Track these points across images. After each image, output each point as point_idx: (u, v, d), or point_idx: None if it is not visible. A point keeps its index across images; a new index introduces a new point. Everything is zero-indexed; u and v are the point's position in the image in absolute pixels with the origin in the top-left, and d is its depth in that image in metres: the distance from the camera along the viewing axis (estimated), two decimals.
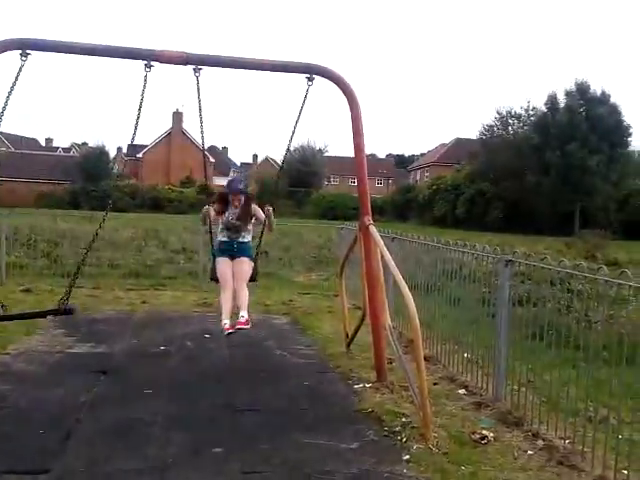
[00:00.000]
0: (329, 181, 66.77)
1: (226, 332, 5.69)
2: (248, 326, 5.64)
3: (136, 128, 5.46)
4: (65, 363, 5.98)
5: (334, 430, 4.42)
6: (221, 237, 6.14)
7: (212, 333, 7.40)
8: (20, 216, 15.93)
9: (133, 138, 5.71)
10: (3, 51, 5.00)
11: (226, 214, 6.07)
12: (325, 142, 63.07)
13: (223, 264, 6.00)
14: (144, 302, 9.29)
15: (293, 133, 5.95)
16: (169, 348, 6.70)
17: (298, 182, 50.82)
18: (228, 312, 5.77)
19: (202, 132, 5.89)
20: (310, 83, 5.47)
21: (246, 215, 6.08)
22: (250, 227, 6.21)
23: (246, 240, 6.17)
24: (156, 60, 5.05)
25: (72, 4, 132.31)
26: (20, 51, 4.96)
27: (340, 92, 5.62)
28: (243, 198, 6.09)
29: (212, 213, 6.06)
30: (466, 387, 5.40)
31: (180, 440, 4.16)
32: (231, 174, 57.91)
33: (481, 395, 5.14)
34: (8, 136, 60.91)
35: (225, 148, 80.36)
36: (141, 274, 11.91)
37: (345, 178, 72.21)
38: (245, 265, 6.03)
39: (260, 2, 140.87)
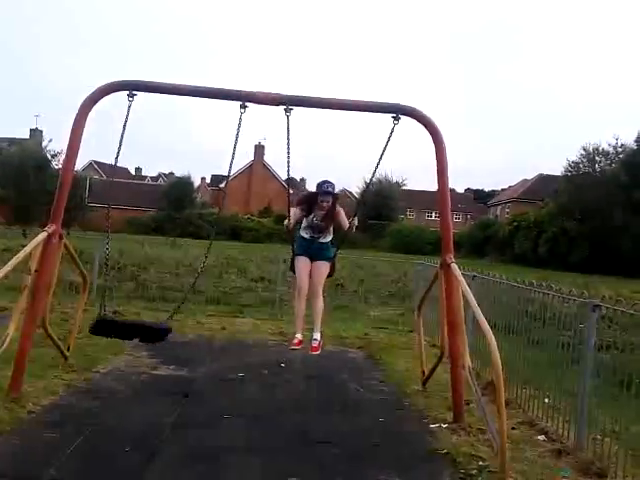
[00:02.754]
0: (405, 214, 66.52)
1: (292, 347, 5.92)
2: (318, 352, 5.89)
3: (232, 163, 5.74)
4: (150, 384, 6.26)
5: (408, 468, 4.40)
6: (303, 233, 6.34)
7: (287, 363, 7.56)
8: (99, 241, 16.87)
9: (229, 171, 5.99)
10: (112, 92, 5.44)
11: (311, 215, 6.27)
12: (403, 175, 63.13)
13: (302, 262, 6.22)
14: (223, 328, 9.57)
15: (376, 168, 6.23)
16: (246, 375, 6.87)
17: (375, 215, 50.94)
18: (301, 326, 6.00)
19: (288, 166, 5.92)
20: (396, 122, 5.54)
21: (331, 217, 6.24)
22: (331, 229, 6.36)
23: (326, 241, 6.35)
24: (251, 101, 5.32)
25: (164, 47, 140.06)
26: (127, 92, 5.36)
27: (425, 130, 5.69)
28: (331, 200, 6.22)
29: (298, 212, 6.27)
30: (546, 433, 5.23)
31: (258, 467, 4.26)
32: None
33: (561, 442, 4.98)
34: (101, 165, 64.60)
35: (303, 179, 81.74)
36: (221, 301, 12.29)
37: (422, 212, 71.77)
38: (323, 267, 6.22)
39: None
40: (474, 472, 4.33)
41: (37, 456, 4.13)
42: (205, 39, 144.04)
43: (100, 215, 45.01)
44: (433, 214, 66.73)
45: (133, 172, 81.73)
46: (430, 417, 5.66)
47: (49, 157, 38.82)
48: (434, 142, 5.62)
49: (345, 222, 6.23)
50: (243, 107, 5.46)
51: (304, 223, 6.36)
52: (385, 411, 5.86)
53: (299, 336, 5.96)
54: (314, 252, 6.26)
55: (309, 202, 6.34)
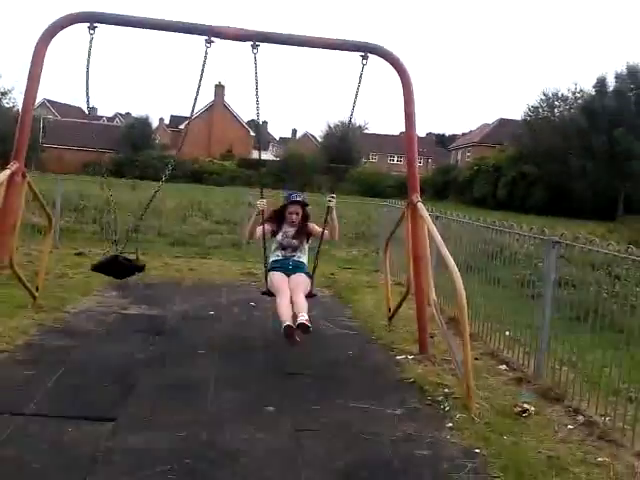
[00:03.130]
0: (368, 158, 66.54)
1: (289, 336, 5.03)
2: (310, 328, 5.07)
3: (195, 101, 5.61)
4: (122, 323, 6.31)
5: (378, 396, 4.61)
6: (275, 257, 5.82)
7: (257, 301, 7.68)
8: (67, 182, 16.46)
9: (192, 111, 5.89)
10: (71, 24, 5.25)
11: (281, 232, 5.82)
12: (365, 119, 62.74)
13: (278, 276, 5.62)
14: (191, 269, 9.62)
15: (352, 111, 5.86)
16: (218, 313, 6.98)
17: (337, 159, 50.81)
18: (288, 315, 5.18)
19: (258, 108, 5.67)
20: (364, 62, 5.49)
21: (304, 233, 5.85)
22: (306, 246, 5.92)
23: (302, 260, 5.85)
24: (217, 36, 5.21)
25: None
26: (88, 24, 5.17)
27: (394, 71, 5.68)
28: (301, 212, 5.82)
29: (267, 227, 5.79)
30: (507, 363, 5.53)
31: (234, 398, 4.41)
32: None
33: (522, 371, 5.27)
34: (54, 104, 62.22)
35: (265, 122, 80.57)
36: (187, 243, 12.28)
37: (384, 155, 71.84)
38: (301, 278, 5.65)
39: None
40: (440, 398, 4.58)
41: (17, 392, 4.17)
42: None
43: (54, 156, 43.85)
44: (396, 158, 66.94)
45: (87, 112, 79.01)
46: (397, 349, 5.90)
47: None
48: (402, 81, 5.64)
49: (317, 230, 5.84)
50: (209, 42, 5.32)
51: (274, 244, 5.87)
52: (354, 345, 6.07)
53: (289, 322, 5.09)
54: (290, 270, 5.68)
55: (276, 220, 5.85)
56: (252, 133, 65.30)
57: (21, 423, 3.71)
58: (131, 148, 47.45)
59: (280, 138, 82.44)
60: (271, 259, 5.85)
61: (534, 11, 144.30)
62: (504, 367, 5.47)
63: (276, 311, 5.35)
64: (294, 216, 5.80)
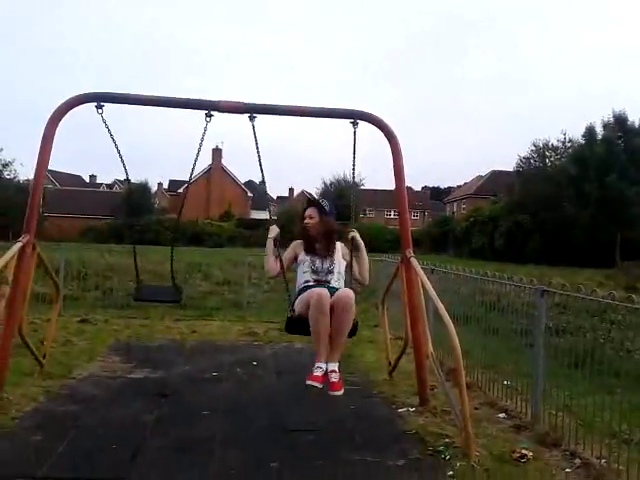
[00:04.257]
0: (364, 213, 67.28)
1: (311, 382, 4.37)
2: (341, 392, 4.48)
3: (193, 169, 5.93)
4: (127, 387, 6.42)
5: (381, 449, 4.71)
6: (304, 284, 4.96)
7: (258, 360, 7.83)
8: (68, 250, 16.74)
9: (190, 176, 6.21)
10: (80, 104, 5.60)
11: (304, 254, 5.03)
12: (361, 175, 63.83)
13: (319, 290, 4.58)
14: (194, 331, 9.76)
15: (354, 170, 5.50)
16: (220, 374, 7.10)
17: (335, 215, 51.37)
18: (325, 349, 4.44)
19: (262, 172, 5.58)
20: (356, 127, 5.80)
21: (332, 243, 5.03)
22: (343, 270, 5.05)
23: (339, 286, 4.94)
24: (216, 110, 5.55)
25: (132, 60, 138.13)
26: (95, 104, 5.53)
27: (380, 133, 6.02)
28: (317, 217, 5.10)
29: (285, 258, 5.08)
30: (506, 411, 5.64)
31: (239, 456, 4.51)
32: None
33: (520, 419, 5.39)
34: (54, 173, 63.34)
35: (263, 183, 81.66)
36: (189, 305, 12.44)
37: (380, 211, 72.66)
38: (346, 292, 4.66)
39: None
40: (441, 448, 4.68)
41: (29, 457, 4.28)
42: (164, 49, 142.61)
43: (55, 225, 44.37)
44: (392, 212, 67.68)
45: (87, 180, 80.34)
46: (398, 402, 6.01)
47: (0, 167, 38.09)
48: (391, 146, 5.94)
49: (346, 257, 5.09)
50: (209, 116, 5.63)
51: (301, 270, 5.03)
52: (355, 399, 6.16)
53: (322, 366, 4.42)
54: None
55: (304, 240, 5.04)
56: (249, 194, 66.21)
57: None
58: (130, 213, 48.00)
59: (278, 197, 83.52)
60: (300, 287, 4.95)
61: (521, 63, 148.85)
62: (503, 415, 5.58)
63: (312, 333, 4.45)
64: (308, 219, 5.10)
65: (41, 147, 5.58)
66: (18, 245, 5.34)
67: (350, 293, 4.69)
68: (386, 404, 6.04)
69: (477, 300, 6.89)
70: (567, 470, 4.28)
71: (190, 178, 6.37)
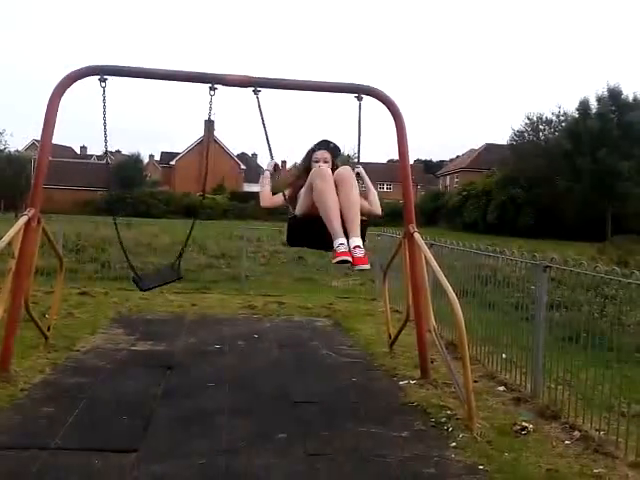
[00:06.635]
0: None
1: (338, 259, 4.33)
2: (367, 266, 4.40)
3: (208, 145, 5.90)
4: (132, 359, 6.50)
5: (384, 421, 4.83)
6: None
7: (259, 333, 7.93)
8: (63, 223, 16.71)
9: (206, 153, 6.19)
10: (84, 76, 5.56)
11: None
12: (354, 148, 63.07)
13: (318, 168, 4.72)
14: (193, 304, 9.83)
15: (359, 146, 5.47)
16: (223, 347, 7.19)
17: None
18: (339, 222, 4.39)
19: (269, 147, 5.36)
20: (360, 102, 5.79)
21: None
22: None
23: None
24: (220, 83, 5.52)
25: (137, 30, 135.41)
26: (99, 77, 5.48)
27: (385, 108, 6.00)
28: (330, 161, 5.04)
29: (287, 195, 5.06)
30: (505, 384, 5.76)
31: (247, 427, 4.61)
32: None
33: (520, 391, 5.51)
34: None
35: (255, 155, 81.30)
36: (186, 278, 12.46)
37: (374, 184, 72.43)
38: (348, 169, 4.73)
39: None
40: (443, 420, 4.81)
41: (40, 428, 4.36)
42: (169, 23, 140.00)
43: (46, 196, 44.18)
44: (385, 186, 67.53)
45: (78, 151, 79.57)
46: (399, 375, 6.13)
47: None
48: (396, 125, 5.88)
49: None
50: (213, 89, 5.58)
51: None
52: (357, 372, 6.29)
53: (343, 241, 4.33)
54: None
55: (302, 177, 4.99)
56: (242, 166, 65.85)
57: (49, 457, 3.90)
58: (122, 186, 47.80)
59: None
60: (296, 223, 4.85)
61: (517, 36, 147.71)
62: (502, 388, 5.70)
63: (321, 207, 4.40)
64: (322, 163, 4.93)
65: (45, 121, 5.55)
66: (24, 219, 5.35)
67: (349, 169, 4.81)
68: (387, 376, 6.16)
69: (474, 274, 6.96)
70: (567, 442, 4.40)
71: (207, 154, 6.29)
